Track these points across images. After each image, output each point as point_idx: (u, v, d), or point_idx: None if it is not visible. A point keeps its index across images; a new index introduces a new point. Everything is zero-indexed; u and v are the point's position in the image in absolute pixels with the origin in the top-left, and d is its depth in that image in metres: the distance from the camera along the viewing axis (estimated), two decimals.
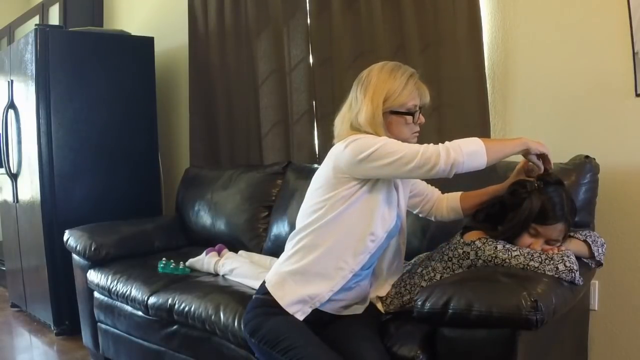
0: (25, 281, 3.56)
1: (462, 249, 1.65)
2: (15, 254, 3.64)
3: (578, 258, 1.59)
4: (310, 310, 1.62)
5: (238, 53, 3.17)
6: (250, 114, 3.13)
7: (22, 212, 3.47)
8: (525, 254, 1.55)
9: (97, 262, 2.75)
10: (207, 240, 2.91)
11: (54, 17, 4.47)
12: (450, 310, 1.41)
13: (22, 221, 3.49)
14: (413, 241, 2.08)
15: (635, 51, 1.93)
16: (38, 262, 3.29)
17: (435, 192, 1.90)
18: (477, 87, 2.25)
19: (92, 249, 2.73)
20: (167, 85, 3.78)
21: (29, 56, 3.19)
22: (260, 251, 2.73)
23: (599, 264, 1.71)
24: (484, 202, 1.79)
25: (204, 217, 3.04)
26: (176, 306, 2.19)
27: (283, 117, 2.98)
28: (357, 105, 1.65)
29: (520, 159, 1.69)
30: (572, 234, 1.68)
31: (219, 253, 2.60)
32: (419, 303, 1.47)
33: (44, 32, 3.17)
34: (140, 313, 2.41)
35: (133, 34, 3.58)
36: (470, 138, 1.54)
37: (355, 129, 1.64)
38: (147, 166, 3.56)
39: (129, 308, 2.49)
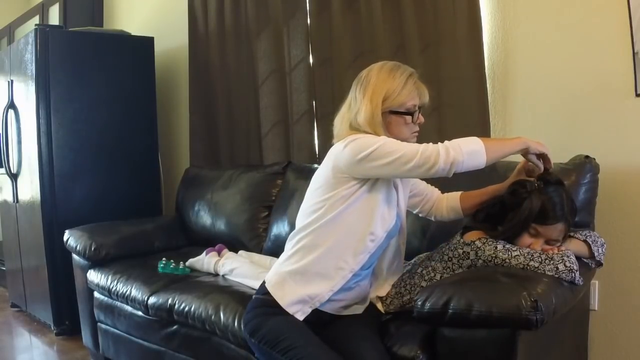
0: (25, 281, 3.56)
1: (462, 249, 1.65)
2: (15, 254, 3.64)
3: (578, 258, 1.59)
4: (310, 310, 1.62)
5: (238, 53, 3.17)
6: (250, 114, 3.13)
7: (22, 212, 3.47)
8: (525, 254, 1.55)
9: (97, 262, 2.75)
10: (207, 240, 2.90)
11: (54, 17, 4.47)
12: (450, 310, 1.41)
13: (22, 221, 3.49)
14: (413, 241, 2.08)
15: (635, 51, 1.93)
16: (38, 262, 3.29)
17: (435, 191, 1.90)
18: (477, 87, 2.25)
19: (92, 249, 2.73)
20: (167, 85, 3.78)
21: (29, 56, 3.19)
22: (260, 251, 2.73)
23: (599, 264, 1.71)
24: (483, 201, 1.79)
25: (204, 217, 3.04)
26: (176, 306, 2.19)
27: (283, 117, 2.98)
28: (357, 105, 1.65)
29: (520, 159, 1.69)
30: (572, 234, 1.68)
31: (219, 253, 2.60)
32: (419, 303, 1.47)
33: (44, 32, 3.17)
34: (140, 313, 2.41)
35: (133, 34, 3.58)
36: (470, 137, 1.54)
37: (355, 128, 1.64)
38: (147, 166, 3.56)
39: (129, 308, 2.49)
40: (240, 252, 2.66)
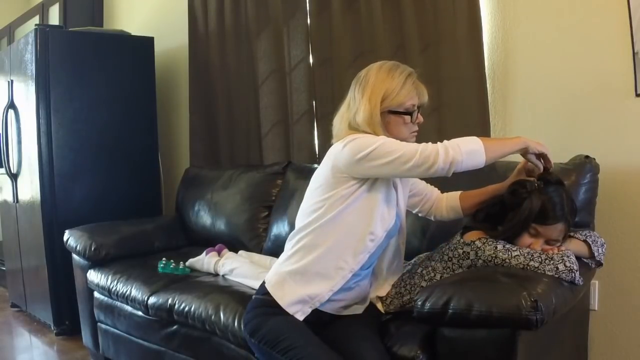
0: (25, 281, 3.56)
1: (462, 249, 1.65)
2: (15, 254, 3.64)
3: (578, 258, 1.59)
4: (310, 310, 1.62)
5: (238, 53, 3.17)
6: (250, 114, 3.13)
7: (22, 212, 3.47)
8: (525, 254, 1.55)
9: (97, 262, 2.75)
10: (207, 240, 2.90)
11: (54, 17, 4.47)
12: (450, 310, 1.41)
13: (22, 221, 3.49)
14: (413, 241, 2.08)
15: (635, 51, 1.93)
16: (38, 262, 3.29)
17: (434, 191, 1.90)
18: (477, 87, 2.25)
19: (92, 249, 2.73)
20: (167, 85, 3.78)
21: (29, 56, 3.19)
22: (260, 251, 2.73)
23: (599, 264, 1.71)
24: (483, 201, 1.78)
25: (204, 217, 3.04)
26: (176, 306, 2.19)
27: (283, 117, 2.98)
28: (355, 104, 1.65)
29: (520, 159, 1.69)
30: (572, 234, 1.68)
31: (219, 253, 2.60)
32: (419, 303, 1.47)
33: (44, 32, 3.17)
34: (140, 313, 2.41)
35: (133, 34, 3.58)
36: (469, 137, 1.54)
37: (354, 128, 1.64)
38: (147, 166, 3.56)
39: (129, 308, 2.49)
40: (240, 252, 2.66)
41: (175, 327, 2.25)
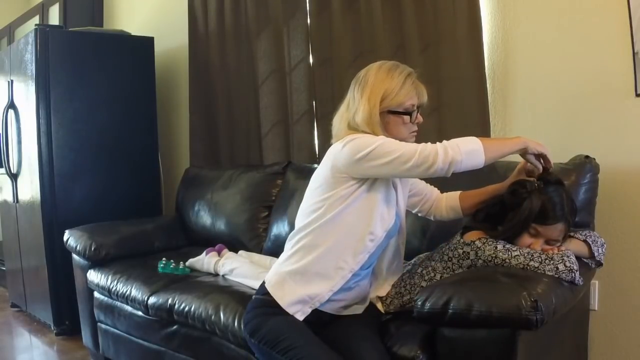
0: (25, 281, 3.56)
1: (462, 249, 1.65)
2: (15, 254, 3.64)
3: (578, 258, 1.59)
4: (310, 310, 1.62)
5: (238, 53, 3.17)
6: (250, 114, 3.13)
7: (22, 212, 3.47)
8: (525, 254, 1.55)
9: (97, 262, 2.75)
10: (207, 240, 2.90)
11: (54, 17, 4.47)
12: (450, 310, 1.41)
13: (22, 221, 3.49)
14: (413, 241, 2.08)
15: (635, 51, 1.93)
16: (38, 262, 3.29)
17: (434, 191, 1.90)
18: (477, 87, 2.25)
19: (92, 249, 2.73)
20: (167, 85, 3.78)
21: (29, 56, 3.19)
22: (260, 251, 2.73)
23: (599, 264, 1.71)
24: (483, 201, 1.78)
25: (204, 217, 3.04)
26: (176, 306, 2.19)
27: (283, 117, 2.98)
28: (355, 104, 1.65)
29: (520, 159, 1.68)
30: (572, 234, 1.68)
31: (219, 253, 2.60)
32: (419, 303, 1.47)
33: (44, 32, 3.17)
34: (140, 313, 2.41)
35: (133, 34, 3.58)
36: (468, 137, 1.54)
37: (353, 128, 1.64)
38: (147, 166, 3.56)
39: (129, 308, 2.49)
40: (240, 252, 2.66)
41: (175, 327, 2.25)
